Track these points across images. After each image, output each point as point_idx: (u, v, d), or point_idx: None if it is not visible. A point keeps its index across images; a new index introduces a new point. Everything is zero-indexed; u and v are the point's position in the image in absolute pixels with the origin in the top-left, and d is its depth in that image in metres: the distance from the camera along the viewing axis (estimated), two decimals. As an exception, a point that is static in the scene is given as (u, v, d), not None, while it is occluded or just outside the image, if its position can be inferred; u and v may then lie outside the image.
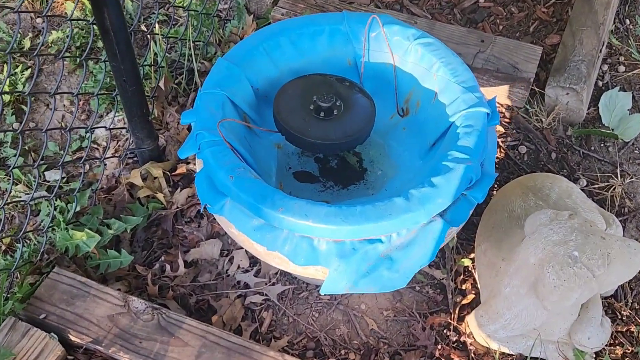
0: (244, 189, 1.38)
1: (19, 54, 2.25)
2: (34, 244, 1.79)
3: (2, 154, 2.04)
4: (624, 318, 1.73)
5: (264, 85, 1.67)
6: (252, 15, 2.31)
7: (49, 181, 1.98)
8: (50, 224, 1.80)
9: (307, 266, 1.40)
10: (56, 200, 1.85)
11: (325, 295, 1.75)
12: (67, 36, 1.70)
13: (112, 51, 1.64)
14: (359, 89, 1.63)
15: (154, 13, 2.15)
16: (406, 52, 1.65)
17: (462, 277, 1.80)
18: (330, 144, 1.54)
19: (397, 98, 1.71)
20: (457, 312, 1.74)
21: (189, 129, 1.96)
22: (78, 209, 1.84)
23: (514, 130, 2.06)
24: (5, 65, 2.20)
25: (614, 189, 1.93)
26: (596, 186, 1.95)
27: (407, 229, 1.39)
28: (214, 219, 1.84)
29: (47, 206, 1.86)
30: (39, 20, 2.36)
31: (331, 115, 1.57)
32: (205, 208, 1.45)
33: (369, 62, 1.70)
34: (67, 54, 2.19)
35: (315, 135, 1.54)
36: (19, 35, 2.30)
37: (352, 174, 1.71)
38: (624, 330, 1.71)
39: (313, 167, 1.72)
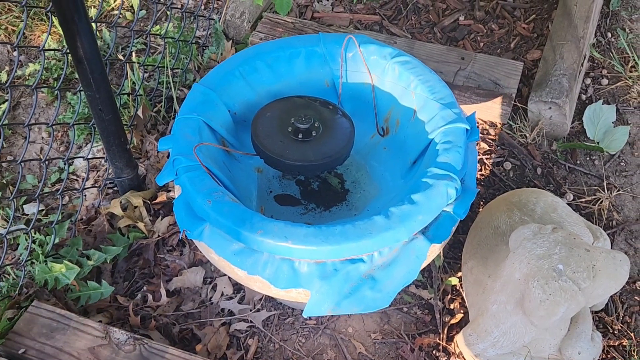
0: (222, 212, 1.36)
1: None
2: (13, 278, 1.76)
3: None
4: (615, 332, 1.71)
5: (242, 109, 1.66)
6: (230, 41, 2.30)
7: (27, 214, 1.95)
8: (29, 257, 1.77)
9: (289, 289, 1.37)
10: (35, 233, 1.82)
11: (311, 319, 1.73)
12: (43, 68, 1.68)
13: (86, 80, 1.63)
14: (337, 109, 1.62)
15: (131, 42, 2.14)
16: (384, 71, 1.64)
17: (450, 296, 1.77)
18: (309, 165, 1.53)
19: (377, 117, 1.70)
20: (445, 332, 1.71)
21: (169, 156, 1.95)
22: (57, 241, 1.81)
23: (498, 147, 2.05)
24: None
25: (601, 202, 1.92)
26: (583, 200, 1.93)
27: (389, 248, 1.37)
28: (196, 246, 1.82)
29: (26, 239, 1.83)
30: (15, 53, 2.34)
31: (309, 137, 1.55)
32: (184, 234, 1.43)
33: (347, 82, 1.69)
34: (44, 86, 2.18)
35: (293, 157, 1.52)
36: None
37: (334, 195, 1.69)
38: (616, 344, 1.69)
39: (294, 190, 1.70)
